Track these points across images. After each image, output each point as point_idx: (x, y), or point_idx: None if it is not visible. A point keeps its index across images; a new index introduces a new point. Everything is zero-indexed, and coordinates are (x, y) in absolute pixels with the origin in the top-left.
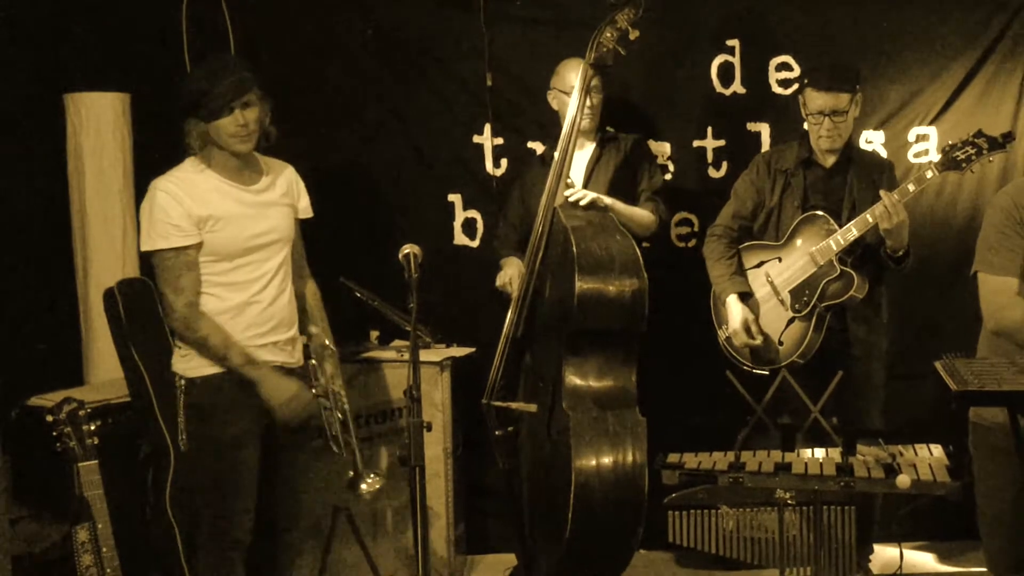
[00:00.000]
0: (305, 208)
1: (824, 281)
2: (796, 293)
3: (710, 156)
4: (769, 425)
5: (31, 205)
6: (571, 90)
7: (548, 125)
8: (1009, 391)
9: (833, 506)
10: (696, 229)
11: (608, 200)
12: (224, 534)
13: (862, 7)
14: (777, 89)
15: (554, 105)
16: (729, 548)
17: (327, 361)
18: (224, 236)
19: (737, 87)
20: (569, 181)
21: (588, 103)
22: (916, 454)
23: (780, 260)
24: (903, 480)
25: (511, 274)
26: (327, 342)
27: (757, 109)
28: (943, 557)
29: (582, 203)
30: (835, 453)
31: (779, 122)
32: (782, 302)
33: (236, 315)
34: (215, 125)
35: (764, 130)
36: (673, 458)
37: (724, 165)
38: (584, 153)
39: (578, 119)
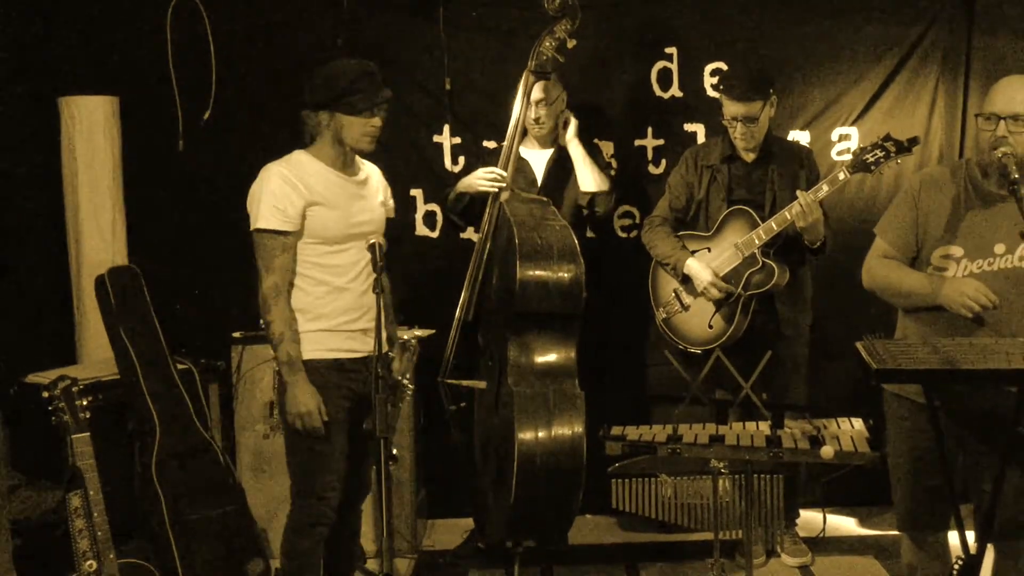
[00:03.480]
0: (392, 208)
1: (748, 272)
2: (724, 282)
3: (650, 154)
4: (704, 400)
5: (28, 199)
6: (537, 99)
7: (502, 125)
8: (922, 369)
9: (763, 474)
10: (638, 221)
11: (589, 164)
12: (310, 511)
13: (789, 17)
14: (711, 93)
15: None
16: (667, 513)
17: (395, 354)
18: (328, 219)
19: (675, 91)
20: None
21: (543, 111)
22: (839, 427)
23: (709, 250)
24: (827, 451)
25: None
26: (397, 339)
27: (693, 111)
28: (862, 521)
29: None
30: (764, 426)
31: (713, 123)
32: None
33: (334, 299)
34: (351, 120)
35: (700, 130)
36: (616, 430)
37: (663, 162)
38: (544, 154)
39: (520, 121)
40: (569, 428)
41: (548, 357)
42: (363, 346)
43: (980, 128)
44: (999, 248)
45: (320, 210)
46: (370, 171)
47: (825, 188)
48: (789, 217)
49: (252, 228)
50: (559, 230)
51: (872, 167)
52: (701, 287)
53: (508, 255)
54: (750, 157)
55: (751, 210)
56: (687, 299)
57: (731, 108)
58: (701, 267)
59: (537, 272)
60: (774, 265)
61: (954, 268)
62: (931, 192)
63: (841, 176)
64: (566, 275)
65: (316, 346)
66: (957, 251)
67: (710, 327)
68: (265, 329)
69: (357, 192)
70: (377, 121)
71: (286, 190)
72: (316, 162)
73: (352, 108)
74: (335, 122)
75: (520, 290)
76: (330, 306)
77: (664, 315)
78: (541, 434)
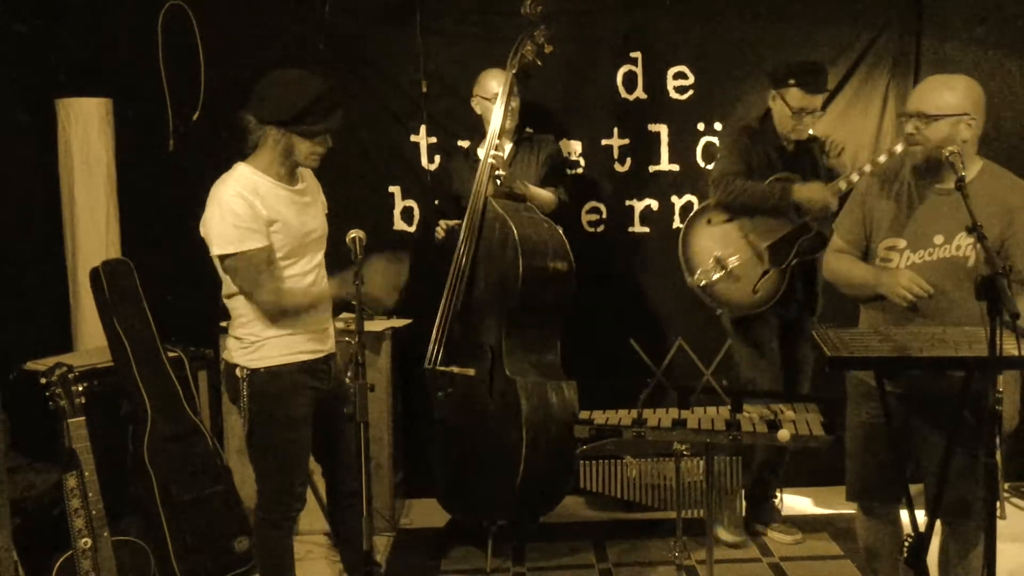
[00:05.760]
0: (324, 204)
1: (801, 239)
2: (774, 248)
3: (616, 153)
4: (667, 386)
5: (27, 196)
6: (492, 96)
7: (475, 126)
8: (874, 357)
9: (723, 457)
10: (604, 217)
11: (530, 188)
12: (284, 506)
13: (747, 25)
14: (674, 95)
15: (478, 110)
16: (633, 493)
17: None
18: (285, 236)
19: (640, 93)
20: (496, 154)
21: (515, 103)
22: (794, 412)
23: (752, 218)
24: (783, 434)
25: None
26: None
27: (657, 112)
28: (817, 501)
29: (503, 179)
30: (724, 410)
31: (675, 123)
32: (759, 256)
33: None
34: (304, 140)
35: (663, 130)
36: (584, 415)
37: (628, 161)
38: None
39: (504, 120)
40: (567, 413)
41: (542, 346)
42: (323, 346)
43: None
44: (938, 239)
45: (277, 226)
46: (306, 177)
47: (883, 159)
48: (844, 187)
49: (228, 252)
50: (548, 228)
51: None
52: (820, 206)
53: (504, 250)
54: (791, 147)
55: (797, 176)
56: (731, 263)
57: (801, 100)
58: (811, 185)
59: (538, 266)
60: (824, 233)
61: (898, 259)
62: (877, 189)
63: (899, 149)
64: (562, 269)
65: (283, 351)
66: (900, 243)
67: (755, 291)
68: (294, 318)
69: (302, 202)
70: (328, 142)
71: (249, 211)
72: (264, 178)
73: (308, 132)
74: (287, 139)
75: (523, 284)
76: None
77: (703, 280)
78: (545, 419)
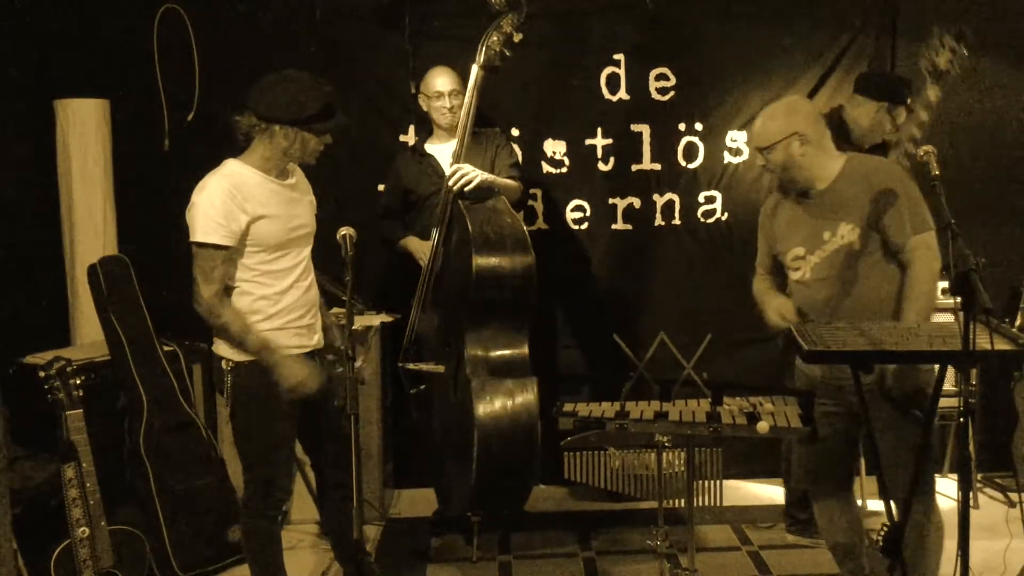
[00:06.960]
0: (314, 204)
1: None
2: None
3: (600, 152)
4: (649, 380)
5: (26, 195)
6: (433, 94)
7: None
8: (850, 351)
9: (703, 448)
10: (588, 214)
11: (489, 176)
12: (268, 497)
13: (729, 26)
14: (656, 96)
15: (424, 107)
16: (616, 483)
17: (336, 334)
18: (271, 229)
19: (623, 94)
20: (457, 167)
21: (451, 103)
22: (773, 404)
23: None
24: (762, 426)
25: (424, 250)
26: (333, 324)
27: (639, 112)
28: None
29: (472, 184)
30: (705, 403)
31: (658, 123)
32: None
33: (279, 300)
34: (313, 138)
35: (645, 130)
36: (568, 407)
37: (612, 160)
38: (448, 147)
39: (470, 113)
40: (524, 414)
41: (503, 344)
42: (309, 341)
43: None
44: (826, 235)
45: (264, 222)
46: (297, 173)
47: None
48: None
49: (193, 240)
50: (510, 221)
51: None
52: None
53: (464, 247)
54: None
55: None
56: None
57: (901, 117)
58: None
59: (491, 263)
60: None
61: (803, 264)
62: (771, 214)
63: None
64: (520, 265)
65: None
66: (800, 250)
67: None
68: (222, 333)
69: (291, 197)
70: (329, 139)
71: (232, 208)
72: (255, 173)
73: (321, 129)
74: (300, 136)
75: (476, 281)
76: (277, 306)
77: None
78: (498, 421)
